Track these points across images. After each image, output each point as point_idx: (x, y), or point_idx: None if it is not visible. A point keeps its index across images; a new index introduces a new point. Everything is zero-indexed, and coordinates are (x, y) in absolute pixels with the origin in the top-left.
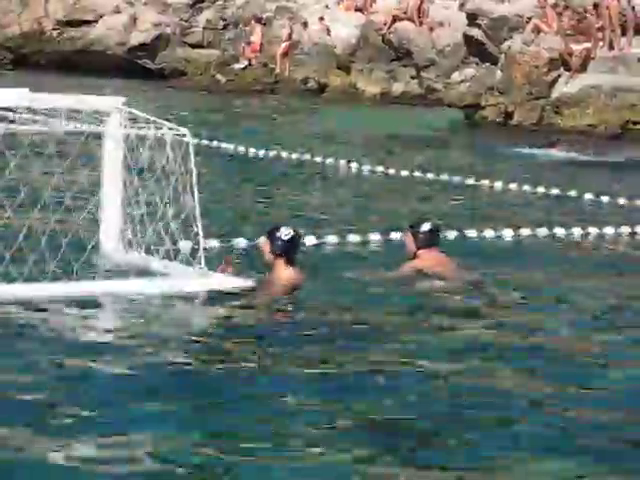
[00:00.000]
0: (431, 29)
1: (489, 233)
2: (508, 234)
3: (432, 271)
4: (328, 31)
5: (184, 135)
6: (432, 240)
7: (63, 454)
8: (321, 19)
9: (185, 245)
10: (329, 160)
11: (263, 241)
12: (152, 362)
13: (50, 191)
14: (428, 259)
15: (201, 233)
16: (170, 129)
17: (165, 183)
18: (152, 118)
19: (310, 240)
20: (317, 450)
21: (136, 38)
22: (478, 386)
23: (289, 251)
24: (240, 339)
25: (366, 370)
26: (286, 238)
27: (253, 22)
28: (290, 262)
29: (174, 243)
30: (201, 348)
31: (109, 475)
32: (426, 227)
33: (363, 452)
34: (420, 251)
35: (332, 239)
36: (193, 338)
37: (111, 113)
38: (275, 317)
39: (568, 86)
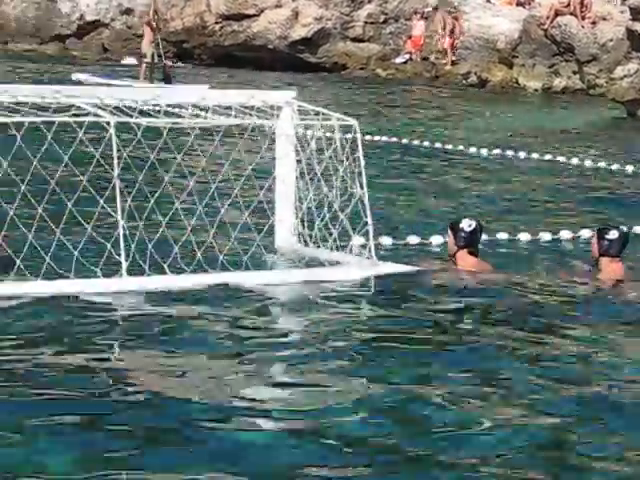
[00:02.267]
0: (594, 23)
1: None
2: None
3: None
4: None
5: (352, 125)
6: (471, 240)
7: None
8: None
9: (357, 241)
10: (496, 151)
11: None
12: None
13: (218, 183)
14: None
15: (370, 222)
16: (338, 119)
17: (334, 173)
18: (321, 110)
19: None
20: None
21: (298, 32)
22: None
23: (472, 242)
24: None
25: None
26: (469, 230)
27: (414, 16)
28: (473, 253)
29: (344, 236)
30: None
31: None
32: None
33: None
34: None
35: (503, 235)
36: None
37: (282, 107)
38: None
39: None
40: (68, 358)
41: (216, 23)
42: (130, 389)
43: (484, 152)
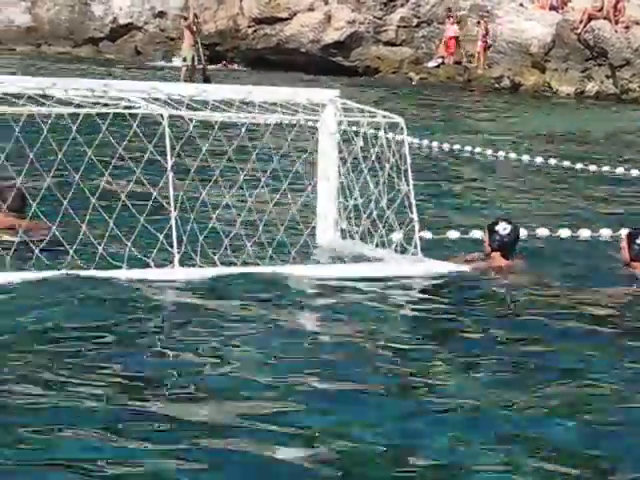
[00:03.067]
0: (627, 28)
1: None
2: None
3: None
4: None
5: (398, 123)
6: (505, 243)
7: None
8: None
9: (397, 236)
10: (525, 157)
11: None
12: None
13: (266, 178)
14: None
15: (416, 218)
16: (384, 117)
17: (380, 170)
18: (366, 107)
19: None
20: None
21: (330, 36)
22: None
23: (506, 245)
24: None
25: None
26: (504, 233)
27: (447, 20)
28: (506, 256)
29: (388, 232)
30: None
31: None
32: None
33: None
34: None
35: (543, 231)
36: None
37: (326, 105)
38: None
39: None
40: (115, 348)
41: (249, 26)
42: (173, 382)
43: (523, 157)
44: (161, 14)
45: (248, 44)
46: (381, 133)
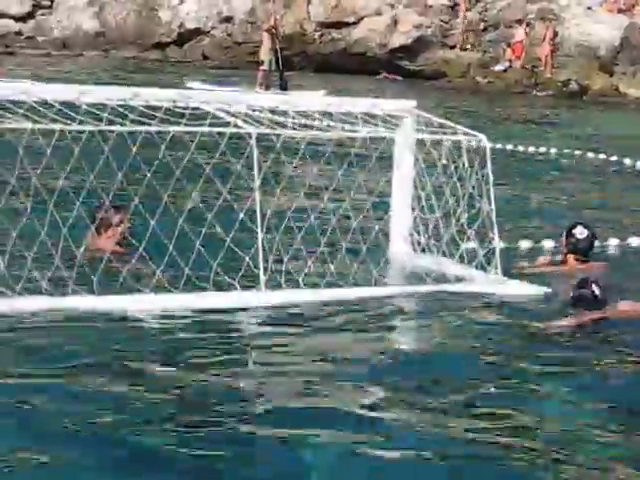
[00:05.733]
0: None
1: None
2: None
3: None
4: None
5: (480, 140)
6: (579, 247)
7: None
8: None
9: (469, 245)
10: (607, 157)
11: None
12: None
13: (329, 193)
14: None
15: (497, 239)
16: (465, 134)
17: (460, 188)
18: (447, 123)
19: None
20: None
21: (397, 39)
22: None
23: (580, 249)
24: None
25: None
26: (580, 237)
27: (516, 24)
28: (580, 260)
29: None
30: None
31: None
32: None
33: None
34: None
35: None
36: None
37: (403, 117)
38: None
39: None
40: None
41: (315, 31)
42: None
43: (599, 158)
44: (228, 19)
45: (315, 48)
46: (463, 152)
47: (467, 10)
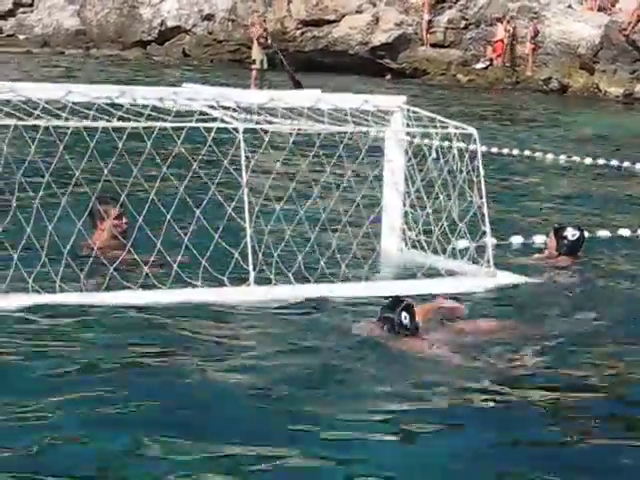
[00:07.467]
0: None
1: None
2: None
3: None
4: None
5: (471, 134)
6: (573, 249)
7: None
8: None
9: (461, 244)
10: (588, 160)
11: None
12: None
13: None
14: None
15: (489, 232)
16: (456, 128)
17: (450, 182)
18: (437, 117)
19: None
20: None
21: (378, 38)
22: None
23: (573, 251)
24: None
25: None
26: (573, 239)
27: (497, 22)
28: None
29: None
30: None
31: None
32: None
33: None
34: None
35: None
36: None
37: (394, 113)
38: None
39: None
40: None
41: (297, 29)
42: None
43: (586, 160)
44: (209, 17)
45: (296, 46)
46: (454, 145)
47: (449, 8)
